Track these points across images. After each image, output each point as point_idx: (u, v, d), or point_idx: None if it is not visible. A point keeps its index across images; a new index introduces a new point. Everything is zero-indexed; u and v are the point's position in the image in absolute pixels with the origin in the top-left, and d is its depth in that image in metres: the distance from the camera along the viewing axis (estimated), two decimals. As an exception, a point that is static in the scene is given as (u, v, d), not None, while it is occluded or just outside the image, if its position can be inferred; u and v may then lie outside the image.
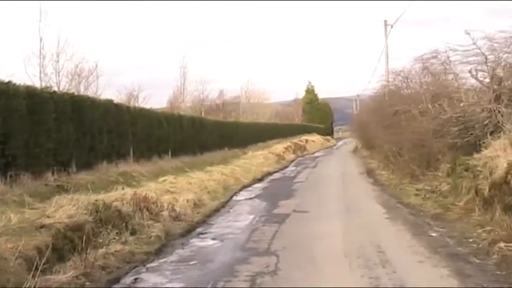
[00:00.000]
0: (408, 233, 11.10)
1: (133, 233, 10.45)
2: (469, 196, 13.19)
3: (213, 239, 11.51)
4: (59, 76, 26.28)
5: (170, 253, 10.15)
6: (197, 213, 14.66)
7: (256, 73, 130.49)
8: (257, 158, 32.67)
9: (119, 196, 11.51)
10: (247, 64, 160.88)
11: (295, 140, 55.17)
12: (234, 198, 18.85)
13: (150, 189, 14.65)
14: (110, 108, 16.80)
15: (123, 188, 12.99)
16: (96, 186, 13.38)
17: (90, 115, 15.15)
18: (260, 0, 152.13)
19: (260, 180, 24.95)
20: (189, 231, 12.49)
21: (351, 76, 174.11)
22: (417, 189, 16.97)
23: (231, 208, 16.52)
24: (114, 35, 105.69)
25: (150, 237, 10.69)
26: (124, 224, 10.28)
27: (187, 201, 14.90)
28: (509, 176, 10.45)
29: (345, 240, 10.53)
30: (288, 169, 32.58)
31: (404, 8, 28.66)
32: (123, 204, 11.19)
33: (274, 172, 29.48)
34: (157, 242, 10.61)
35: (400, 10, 38.04)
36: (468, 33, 14.70)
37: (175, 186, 16.54)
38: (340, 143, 78.85)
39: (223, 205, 16.99)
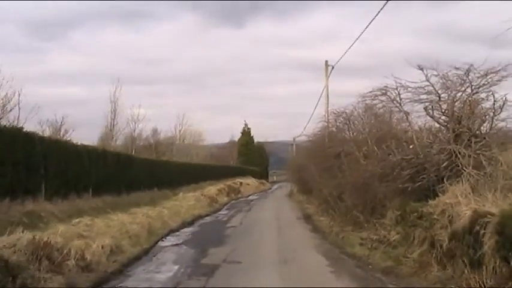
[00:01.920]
0: (359, 292, 9.47)
1: (23, 289, 8.30)
2: (424, 247, 11.78)
3: (127, 297, 9.50)
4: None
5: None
6: (113, 261, 12.60)
7: (191, 114, 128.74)
8: (188, 200, 30.57)
9: (11, 242, 9.31)
10: (182, 105, 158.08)
11: (229, 182, 53.37)
12: (160, 244, 16.82)
13: (58, 232, 12.45)
14: (17, 137, 14.52)
15: (22, 232, 10.72)
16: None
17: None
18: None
19: (190, 224, 22.94)
20: (99, 284, 10.44)
21: (288, 121, 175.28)
22: (361, 238, 15.48)
23: (154, 256, 14.52)
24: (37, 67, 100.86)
25: (47, 294, 8.57)
26: (10, 279, 8.11)
27: (103, 247, 12.80)
28: (476, 227, 9.03)
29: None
30: (220, 212, 30.65)
31: (345, 50, 28.36)
32: (14, 252, 9.01)
33: (206, 215, 27.51)
34: (54, 301, 8.51)
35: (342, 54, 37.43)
36: (421, 69, 13.59)
37: (90, 229, 14.35)
38: (275, 186, 77.60)
39: (146, 252, 14.96)
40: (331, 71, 31.85)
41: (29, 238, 9.79)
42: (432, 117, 13.57)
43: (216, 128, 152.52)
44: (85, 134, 51.40)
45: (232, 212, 30.51)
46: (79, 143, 20.48)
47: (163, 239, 17.76)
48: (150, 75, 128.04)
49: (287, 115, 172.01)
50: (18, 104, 24.79)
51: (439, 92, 13.72)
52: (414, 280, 10.31)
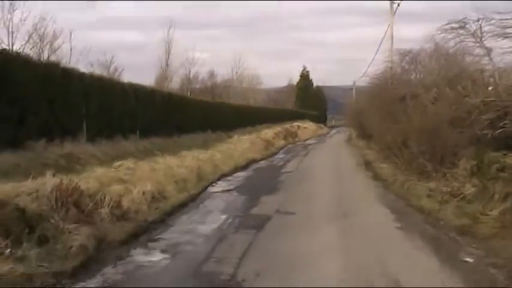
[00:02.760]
0: (433, 257, 7.94)
1: (43, 242, 7.24)
2: (507, 204, 10.12)
3: (163, 251, 8.33)
4: (11, 37, 22.68)
5: (91, 276, 6.98)
6: (155, 209, 11.51)
7: (248, 59, 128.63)
8: (243, 143, 29.40)
9: (34, 187, 8.23)
10: (238, 50, 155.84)
11: (287, 125, 51.95)
12: (209, 189, 15.67)
13: (95, 176, 11.45)
14: (53, 73, 13.42)
15: (53, 175, 9.67)
16: (18, 171, 10.17)
17: (20, 78, 11.80)
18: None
19: (243, 168, 21.74)
20: (136, 235, 9.33)
21: (346, 66, 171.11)
22: (430, 189, 13.82)
23: (202, 203, 13.37)
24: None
25: (71, 247, 7.48)
26: (27, 230, 7.04)
27: (144, 193, 11.71)
28: None
29: (345, 267, 7.35)
30: (276, 156, 29.37)
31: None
32: (36, 198, 7.94)
33: (261, 159, 26.27)
34: (79, 255, 7.41)
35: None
36: (509, -5, 11.52)
37: (132, 173, 13.31)
38: (334, 131, 75.71)
39: (193, 198, 13.83)
40: (396, 8, 29.47)
41: (55, 183, 8.68)
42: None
43: (273, 72, 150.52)
44: (141, 77, 50.79)
45: (288, 156, 29.18)
46: (126, 81, 19.37)
47: (214, 184, 16.63)
48: (206, 19, 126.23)
49: (345, 60, 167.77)
50: (70, 45, 23.89)
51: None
52: (495, 242, 8.70)
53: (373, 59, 37.75)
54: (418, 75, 21.16)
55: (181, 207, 12.48)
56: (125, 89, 18.37)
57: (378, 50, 38.19)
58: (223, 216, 11.37)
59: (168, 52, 43.22)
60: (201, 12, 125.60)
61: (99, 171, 12.18)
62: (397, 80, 22.86)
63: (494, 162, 11.44)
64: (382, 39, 31.77)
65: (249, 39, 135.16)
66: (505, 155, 11.58)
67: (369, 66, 31.68)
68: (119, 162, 13.97)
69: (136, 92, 19.10)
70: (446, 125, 14.78)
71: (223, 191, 15.37)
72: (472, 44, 13.27)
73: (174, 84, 54.52)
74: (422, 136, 16.03)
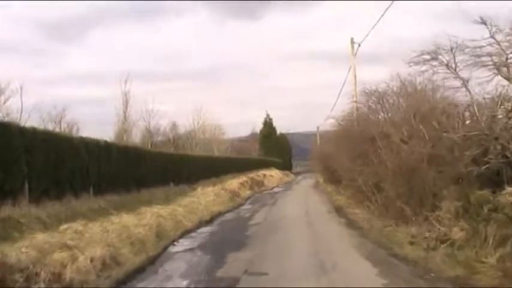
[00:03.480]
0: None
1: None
2: (506, 249, 8.99)
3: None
4: None
5: None
6: (106, 278, 10.01)
7: (211, 108, 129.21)
8: (207, 195, 27.93)
9: None
10: (200, 100, 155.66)
11: (252, 174, 50.66)
12: (170, 249, 14.20)
13: (35, 244, 9.91)
14: (-13, 128, 11.96)
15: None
16: None
17: None
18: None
19: (208, 222, 20.28)
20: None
21: (308, 111, 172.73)
22: (412, 236, 12.72)
23: (161, 266, 11.91)
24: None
25: None
26: None
27: (92, 260, 10.21)
28: None
29: None
30: (243, 207, 27.97)
31: (371, 27, 25.55)
32: None
33: (227, 212, 24.84)
34: None
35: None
36: (484, 22, 10.71)
37: (80, 237, 11.76)
38: (300, 177, 74.73)
39: (152, 261, 12.38)
40: (357, 49, 28.95)
41: (-23, 258, 7.17)
42: (508, 79, 10.59)
43: (236, 122, 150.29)
44: (103, 132, 49.29)
45: (255, 207, 27.83)
46: (77, 136, 17.88)
47: (175, 243, 15.16)
48: (168, 72, 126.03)
49: (308, 106, 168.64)
50: (21, 102, 22.43)
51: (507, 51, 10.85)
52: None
53: (336, 100, 37.04)
54: (386, 114, 20.34)
55: (138, 273, 11.01)
56: (75, 143, 16.87)
57: (341, 90, 37.65)
58: (185, 282, 9.94)
59: (125, 104, 41.92)
60: (162, 64, 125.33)
61: (41, 237, 10.60)
62: (364, 121, 22.01)
63: (483, 201, 10.39)
64: (345, 80, 31.21)
65: (210, 89, 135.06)
66: (493, 192, 10.55)
67: (333, 108, 30.91)
68: (66, 225, 12.39)
69: (87, 146, 17.61)
70: (423, 165, 13.77)
71: (185, 250, 13.91)
72: (447, 75, 12.37)
73: (135, 137, 53.16)
74: (397, 178, 15.00)
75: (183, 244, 15.10)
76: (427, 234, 12.20)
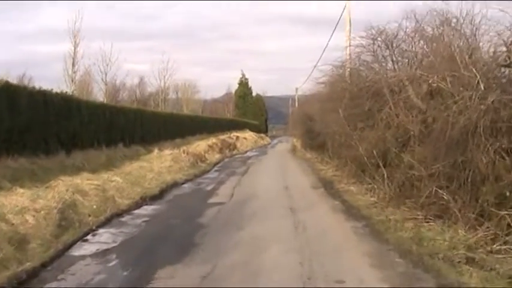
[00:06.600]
0: None
1: None
2: None
3: None
4: None
5: None
6: None
7: (188, 68, 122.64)
8: (163, 160, 22.59)
9: None
10: (175, 59, 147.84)
11: (224, 136, 45.37)
12: (72, 251, 8.89)
13: None
14: None
15: None
16: None
17: None
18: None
19: (154, 199, 14.95)
20: None
21: (287, 75, 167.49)
22: (467, 247, 7.67)
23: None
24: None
25: None
26: None
27: None
28: None
29: None
30: (207, 176, 22.66)
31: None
32: None
33: (185, 182, 19.53)
34: None
35: None
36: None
37: None
38: (275, 141, 69.63)
39: (31, 277, 7.13)
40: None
41: None
42: None
43: (212, 83, 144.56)
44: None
45: (222, 175, 22.57)
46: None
47: (88, 238, 9.88)
48: (140, 30, 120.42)
49: (285, 70, 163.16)
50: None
51: None
52: None
53: (322, 54, 31.72)
54: (396, 65, 15.19)
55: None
56: None
57: (330, 37, 32.32)
58: None
59: (75, 48, 36.80)
60: (138, 23, 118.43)
61: None
62: (366, 71, 16.76)
63: None
64: (336, 26, 25.70)
65: (186, 50, 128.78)
66: None
67: (316, 64, 25.52)
68: None
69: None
70: (467, 137, 8.61)
71: (95, 255, 8.63)
72: None
73: (98, 94, 48.23)
74: (436, 146, 9.76)
75: (100, 239, 9.82)
76: (497, 246, 7.19)
